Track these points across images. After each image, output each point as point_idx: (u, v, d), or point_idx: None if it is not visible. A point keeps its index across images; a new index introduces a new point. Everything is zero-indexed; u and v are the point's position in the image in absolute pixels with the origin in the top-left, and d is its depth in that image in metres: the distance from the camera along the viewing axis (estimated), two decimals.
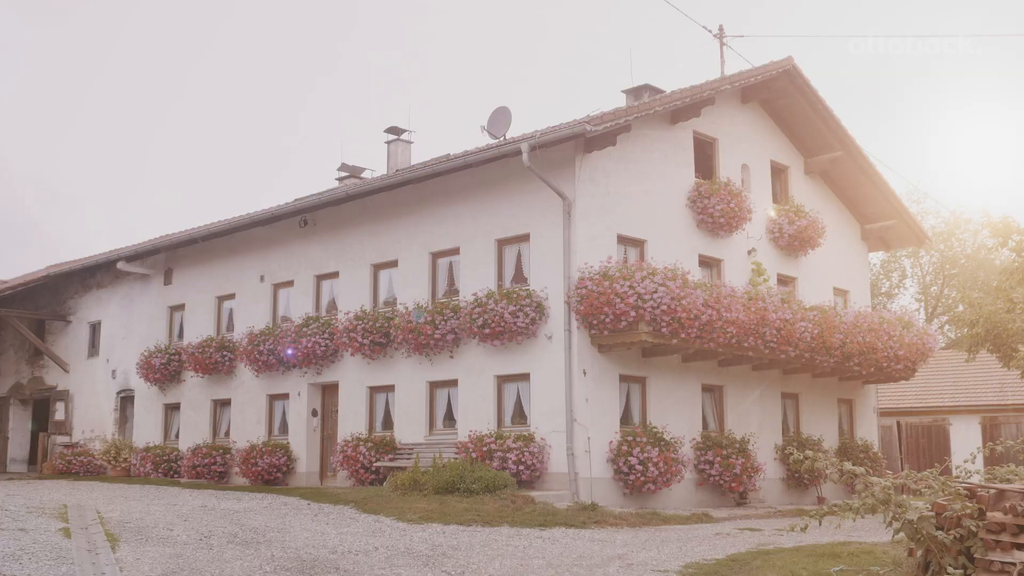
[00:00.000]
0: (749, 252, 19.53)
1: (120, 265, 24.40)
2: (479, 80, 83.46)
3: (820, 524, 9.07)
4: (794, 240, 20.25)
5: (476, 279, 17.53)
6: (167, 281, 24.44)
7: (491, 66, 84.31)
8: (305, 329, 19.61)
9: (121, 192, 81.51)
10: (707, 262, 18.82)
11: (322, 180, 75.36)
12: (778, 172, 21.13)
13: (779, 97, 20.26)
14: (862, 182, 22.08)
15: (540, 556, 10.83)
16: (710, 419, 18.53)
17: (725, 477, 17.27)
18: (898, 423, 31.11)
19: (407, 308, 18.09)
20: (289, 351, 20.62)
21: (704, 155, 19.40)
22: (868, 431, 22.50)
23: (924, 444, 31.37)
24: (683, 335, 15.84)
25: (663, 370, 17.41)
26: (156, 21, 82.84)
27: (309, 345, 19.47)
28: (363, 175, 27.17)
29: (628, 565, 10.40)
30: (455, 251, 18.16)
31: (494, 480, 14.94)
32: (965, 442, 31.06)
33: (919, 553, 8.71)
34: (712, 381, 18.42)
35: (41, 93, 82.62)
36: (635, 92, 21.70)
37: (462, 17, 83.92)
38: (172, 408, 23.92)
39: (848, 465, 8.99)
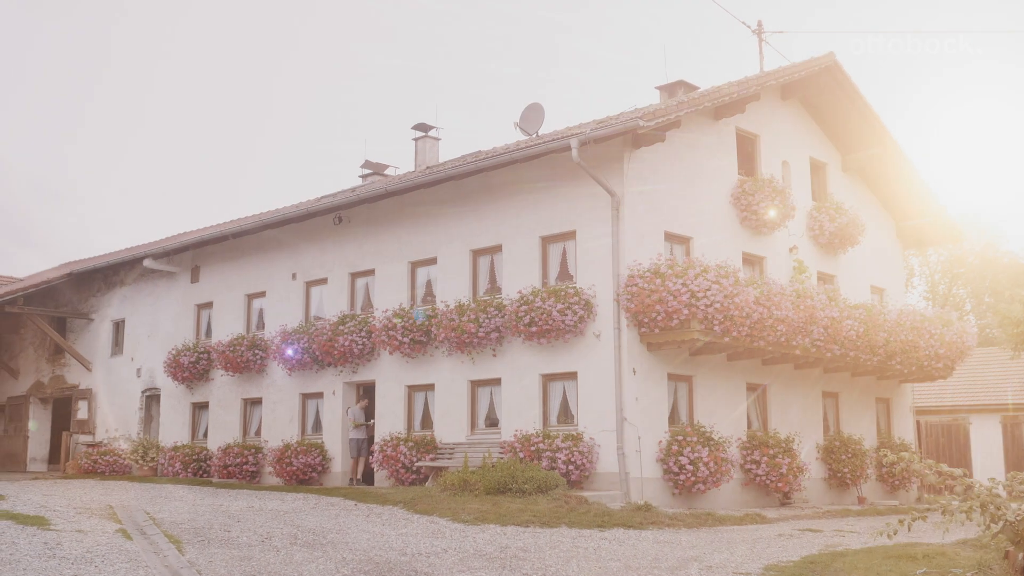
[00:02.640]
0: (791, 250, 19.35)
1: (146, 262, 24.13)
2: (504, 77, 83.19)
3: (910, 529, 8.92)
4: (834, 238, 20.08)
5: (519, 277, 17.31)
6: (194, 279, 24.19)
7: (516, 63, 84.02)
8: (342, 327, 19.38)
9: (133, 192, 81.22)
10: (750, 260, 18.63)
11: (341, 178, 74.95)
12: (816, 169, 20.95)
13: (819, 93, 20.07)
14: (899, 179, 21.92)
15: (615, 558, 10.64)
16: (753, 418, 18.35)
17: (771, 477, 17.09)
18: (918, 422, 30.98)
19: (448, 306, 17.87)
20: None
21: (745, 152, 19.21)
22: (905, 430, 22.37)
23: (944, 443, 31.23)
24: (734, 333, 15.65)
25: (709, 369, 17.22)
26: (172, 16, 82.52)
27: (346, 343, 19.23)
28: (386, 172, 26.97)
29: (708, 568, 10.21)
30: (497, 248, 17.93)
31: (545, 480, 14.74)
32: (985, 441, 30.94)
33: (1020, 556, 8.55)
34: (756, 380, 18.24)
35: (48, 91, 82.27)
36: (669, 89, 21.51)
37: (486, 13, 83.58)
38: (200, 407, 23.69)
39: (945, 467, 8.87)
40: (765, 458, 17.06)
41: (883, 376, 20.65)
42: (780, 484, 17.21)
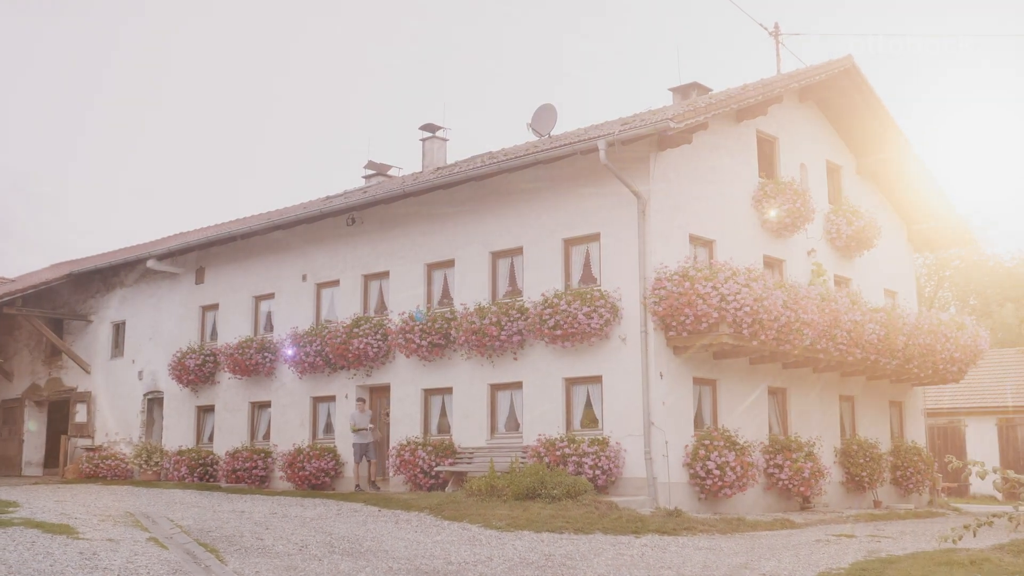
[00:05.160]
0: (809, 253, 19.27)
1: (150, 263, 23.72)
2: (511, 78, 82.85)
3: (975, 535, 8.84)
4: (851, 241, 20.02)
5: (541, 279, 17.10)
6: (199, 280, 23.79)
7: (522, 63, 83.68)
8: (356, 330, 19.09)
9: (127, 192, 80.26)
10: (770, 262, 18.52)
11: (343, 178, 74.37)
12: (832, 172, 20.89)
13: (836, 96, 20.00)
14: (912, 183, 21.90)
15: (664, 566, 10.47)
16: (774, 422, 18.25)
17: (794, 481, 16.97)
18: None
19: (467, 308, 17.63)
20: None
21: (765, 154, 19.11)
22: (917, 433, 22.34)
23: (940, 446, 31.39)
24: (762, 336, 15.52)
25: (732, 372, 17.10)
26: (175, 15, 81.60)
27: (361, 346, 18.96)
28: (390, 173, 26.68)
29: (761, 575, 10.07)
30: (518, 251, 17.71)
31: (574, 485, 14.53)
32: (981, 444, 31.14)
33: None
34: (777, 384, 18.14)
35: (48, 91, 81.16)
36: (683, 90, 21.43)
37: (493, 13, 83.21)
38: (205, 410, 23.29)
39: (1011, 473, 8.83)
40: (788, 462, 16.94)
41: (898, 380, 20.62)
42: (802, 488, 17.10)
